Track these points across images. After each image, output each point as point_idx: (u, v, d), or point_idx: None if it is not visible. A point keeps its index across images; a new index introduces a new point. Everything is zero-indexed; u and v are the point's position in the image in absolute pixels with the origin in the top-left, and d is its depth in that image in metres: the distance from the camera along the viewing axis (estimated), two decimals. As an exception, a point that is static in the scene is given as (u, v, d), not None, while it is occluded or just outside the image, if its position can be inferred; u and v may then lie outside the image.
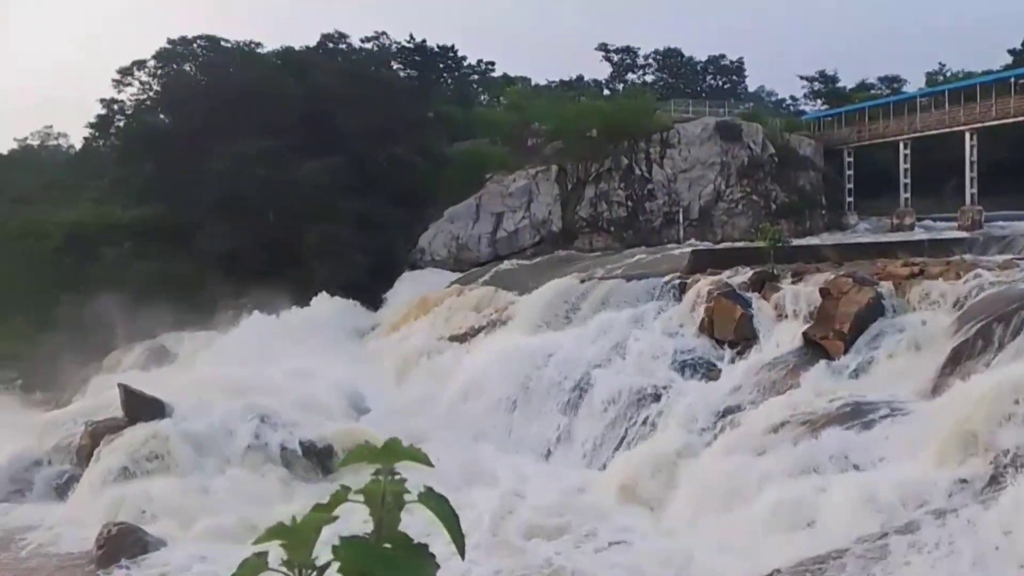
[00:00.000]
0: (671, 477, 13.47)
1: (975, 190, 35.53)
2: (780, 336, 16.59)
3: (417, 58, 54.07)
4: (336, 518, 1.02)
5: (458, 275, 33.50)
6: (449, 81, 57.00)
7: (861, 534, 9.41)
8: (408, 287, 33.01)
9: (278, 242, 33.44)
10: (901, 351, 13.66)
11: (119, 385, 17.88)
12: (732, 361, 16.96)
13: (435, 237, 36.95)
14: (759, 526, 10.93)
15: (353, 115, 37.01)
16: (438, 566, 1.00)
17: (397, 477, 1.05)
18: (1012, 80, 37.50)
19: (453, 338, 24.43)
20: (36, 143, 67.84)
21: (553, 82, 59.93)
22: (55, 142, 65.95)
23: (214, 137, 36.08)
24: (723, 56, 64.82)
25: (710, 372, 16.85)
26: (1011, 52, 54.01)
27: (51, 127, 66.52)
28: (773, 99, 65.13)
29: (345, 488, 1.04)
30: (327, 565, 0.98)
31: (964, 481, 9.51)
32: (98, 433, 16.59)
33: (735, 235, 36.62)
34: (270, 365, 22.24)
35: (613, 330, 19.18)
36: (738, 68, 65.06)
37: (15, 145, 68.64)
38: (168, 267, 32.68)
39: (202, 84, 43.03)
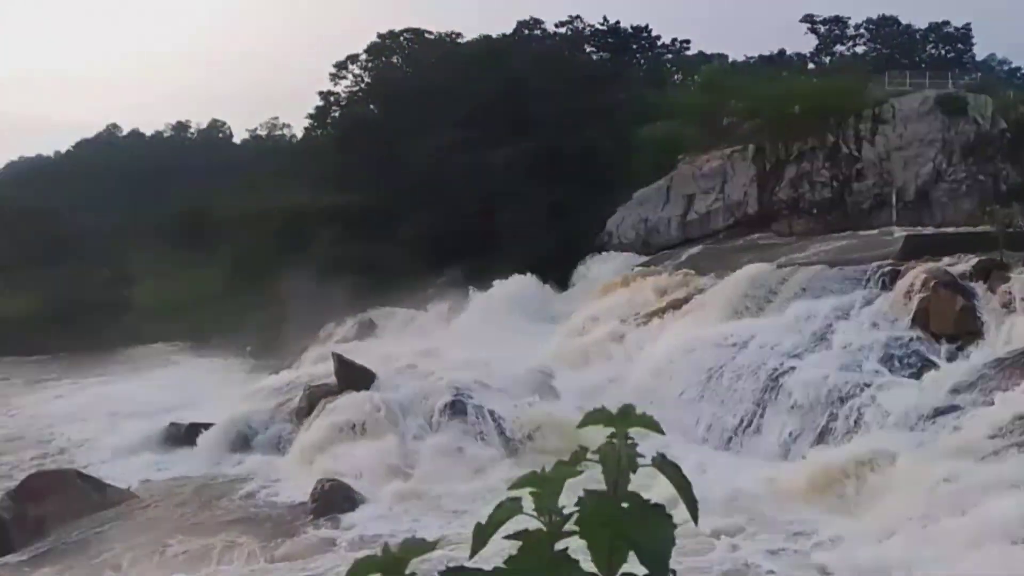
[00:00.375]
0: (874, 479, 12.64)
1: None
2: (1009, 331, 14.95)
3: (610, 40, 53.78)
4: (581, 472, 1.09)
5: (646, 258, 33.16)
6: (642, 62, 56.22)
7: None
8: (595, 270, 33.22)
9: (472, 225, 34.90)
10: None
11: (333, 354, 19.60)
12: (950, 357, 15.55)
13: (623, 220, 36.74)
14: (975, 539, 10.03)
15: (546, 101, 37.72)
16: (675, 526, 1.04)
17: (630, 442, 1.12)
18: None
19: (640, 322, 24.27)
20: (264, 133, 75.26)
21: (752, 58, 57.33)
22: (280, 132, 72.76)
23: (418, 126, 38.24)
24: (946, 23, 58.75)
25: (924, 368, 15.53)
26: None
27: (276, 118, 73.50)
28: (1006, 68, 58.22)
29: (584, 449, 1.12)
30: (571, 515, 1.05)
31: None
32: (315, 397, 18.29)
33: (957, 219, 33.17)
34: (465, 342, 23.33)
35: (813, 319, 18.18)
36: (964, 35, 58.68)
37: (247, 135, 76.57)
38: (375, 248, 35.20)
39: (407, 75, 45.59)
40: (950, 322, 16.02)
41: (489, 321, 26.98)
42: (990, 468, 11.56)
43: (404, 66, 48.48)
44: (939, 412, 13.52)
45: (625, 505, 1.06)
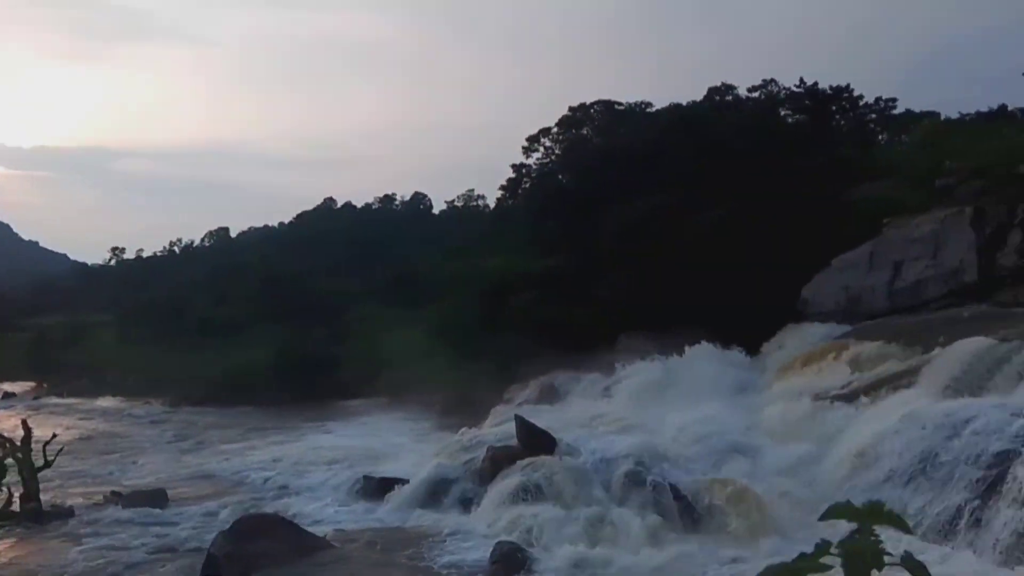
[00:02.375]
0: None
1: None
2: None
3: (808, 103, 51.97)
4: (829, 567, 1.08)
5: (847, 328, 31.00)
6: (843, 123, 53.74)
7: None
8: (791, 340, 31.52)
9: (663, 294, 34.55)
10: None
11: (516, 417, 19.98)
12: None
13: (821, 287, 34.66)
14: None
15: (741, 166, 36.98)
16: None
17: (874, 538, 1.11)
18: None
19: (842, 397, 22.60)
20: (460, 204, 79.94)
21: (967, 114, 52.93)
22: (475, 203, 76.90)
23: (610, 194, 38.83)
24: None
25: None
26: None
27: (472, 190, 77.92)
28: None
29: (826, 542, 1.11)
30: None
31: None
32: (497, 458, 18.67)
33: None
34: (650, 411, 22.90)
35: (1047, 400, 16.04)
36: None
37: (445, 206, 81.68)
38: (565, 314, 35.79)
39: (598, 146, 46.66)
40: None
41: (675, 390, 26.33)
42: None
43: (594, 136, 49.69)
44: None
45: None
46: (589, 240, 38.63)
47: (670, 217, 35.88)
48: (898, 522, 1.11)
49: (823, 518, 1.13)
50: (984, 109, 54.32)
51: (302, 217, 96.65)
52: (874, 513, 1.08)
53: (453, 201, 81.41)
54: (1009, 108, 55.14)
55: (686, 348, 30.45)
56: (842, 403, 22.25)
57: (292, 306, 51.55)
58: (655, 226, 35.72)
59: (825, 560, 1.06)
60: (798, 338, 31.34)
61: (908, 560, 1.04)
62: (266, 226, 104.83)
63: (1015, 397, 16.90)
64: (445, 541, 16.45)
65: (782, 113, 50.48)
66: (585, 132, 51.19)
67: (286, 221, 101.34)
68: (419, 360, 42.30)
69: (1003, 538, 13.63)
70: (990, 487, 14.59)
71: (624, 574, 13.44)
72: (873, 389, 22.10)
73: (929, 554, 13.77)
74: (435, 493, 19.39)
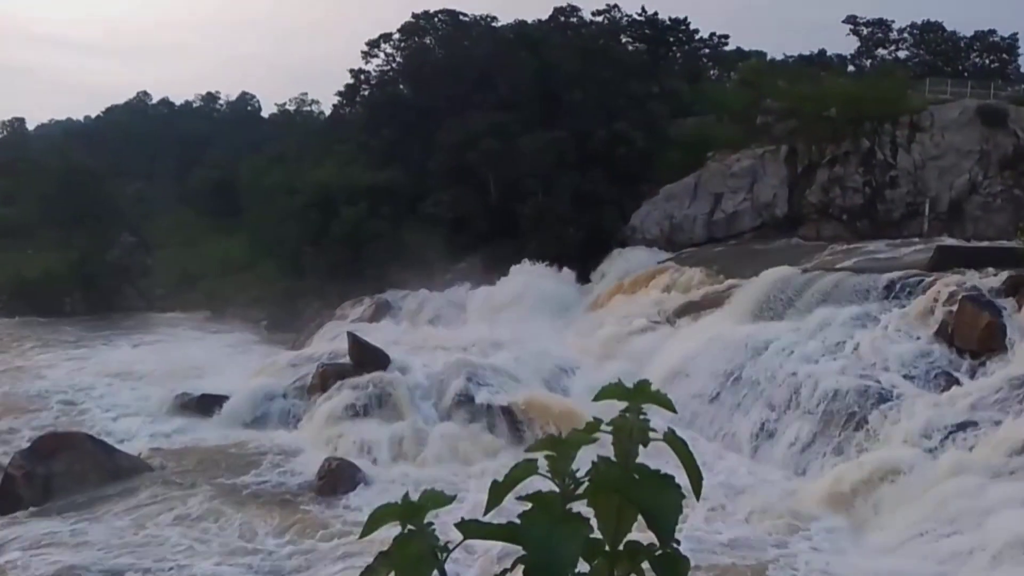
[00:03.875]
0: (890, 493, 12.44)
1: None
2: (1038, 350, 14.60)
3: (647, 32, 53.16)
4: (595, 439, 1.14)
5: (669, 255, 32.86)
6: (679, 56, 55.58)
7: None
8: (617, 264, 32.94)
9: (497, 212, 34.74)
10: None
11: (348, 334, 19.61)
12: (973, 373, 15.23)
13: (648, 215, 36.38)
14: (985, 556, 9.88)
15: (579, 90, 37.36)
16: (684, 496, 1.08)
17: (643, 416, 1.16)
18: None
19: (660, 319, 24.05)
20: (292, 108, 75.54)
21: (791, 57, 56.49)
22: (308, 108, 72.97)
23: (449, 109, 38.05)
24: (992, 31, 57.45)
25: (946, 382, 15.22)
26: None
27: (306, 94, 73.70)
28: (1053, 80, 56.73)
29: (598, 420, 1.17)
30: (583, 479, 1.11)
31: None
32: (327, 375, 18.32)
33: (990, 233, 32.51)
34: (482, 330, 23.25)
35: (836, 326, 17.89)
36: (1010, 46, 57.32)
37: (275, 110, 76.95)
38: (397, 229, 35.14)
39: (440, 57, 45.36)
40: (974, 338, 15.68)
41: (507, 310, 26.89)
42: (1005, 487, 11.36)
43: (437, 47, 48.26)
44: (957, 428, 13.27)
45: (635, 475, 1.11)
46: (424, 154, 37.89)
47: (507, 135, 35.83)
48: (664, 401, 1.18)
49: (596, 399, 1.20)
50: (806, 53, 58.22)
51: (111, 111, 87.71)
52: (642, 393, 1.16)
53: (284, 105, 76.75)
54: (828, 53, 59.40)
55: (513, 268, 30.88)
56: (659, 325, 23.71)
57: (95, 209, 46.86)
58: (491, 143, 35.56)
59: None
60: (624, 263, 32.81)
61: (670, 436, 1.12)
62: (69, 119, 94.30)
63: (809, 322, 18.68)
64: (271, 459, 16.07)
65: (623, 40, 51.32)
66: (428, 42, 49.57)
67: (93, 115, 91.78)
68: (241, 273, 40.30)
69: (790, 449, 15.24)
70: (784, 404, 16.18)
71: (452, 489, 13.71)
72: (688, 312, 23.67)
73: (729, 461, 15.22)
74: (260, 410, 18.82)
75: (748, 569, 11.00)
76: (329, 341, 23.65)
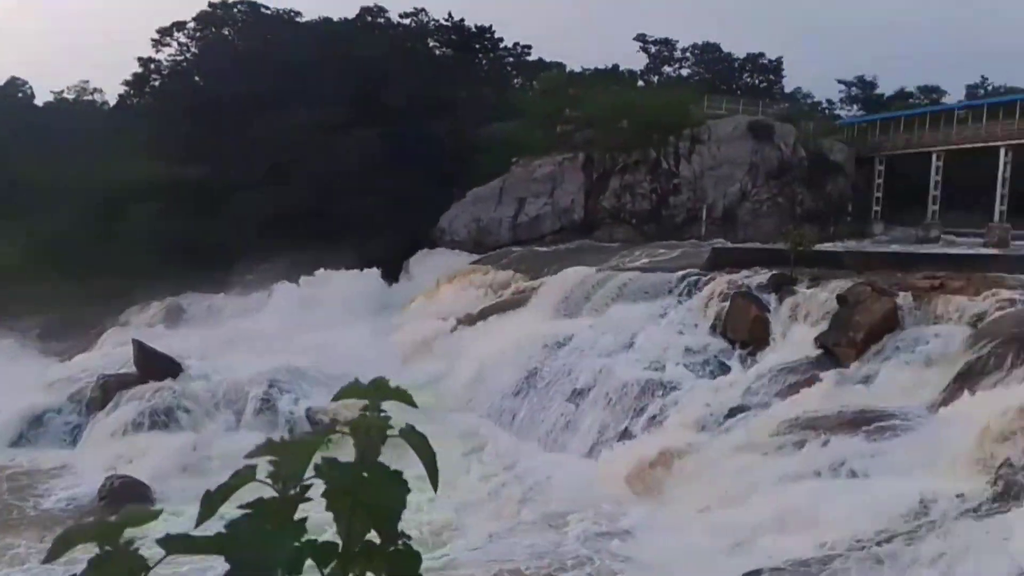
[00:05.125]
0: (675, 472, 13.49)
1: (1005, 207, 34.97)
2: (793, 340, 16.49)
3: (454, 37, 53.93)
4: (328, 442, 1.10)
5: (477, 257, 33.59)
6: (484, 62, 56.84)
7: (857, 541, 9.41)
8: (426, 266, 33.17)
9: (309, 213, 33.71)
10: (913, 364, 13.55)
11: (133, 341, 18.22)
12: (743, 361, 16.90)
13: (456, 218, 37.01)
14: (759, 525, 10.94)
15: (392, 91, 37.18)
16: (408, 490, 1.08)
17: (383, 414, 1.14)
18: (1055, 99, 36.77)
19: (467, 319, 24.53)
20: (72, 97, 68.58)
21: (588, 69, 59.52)
22: (90, 97, 66.60)
23: (257, 105, 36.36)
24: (762, 54, 64.03)
25: (721, 370, 16.80)
26: (1057, 69, 52.91)
27: (87, 82, 67.11)
28: (809, 101, 64.19)
29: (335, 421, 1.12)
30: (310, 484, 1.06)
31: (966, 497, 9.45)
32: (110, 387, 16.91)
33: (758, 237, 36.27)
34: (285, 334, 22.46)
35: (627, 322, 19.15)
36: (776, 68, 64.22)
37: (51, 98, 69.42)
38: (196, 228, 33.03)
39: (241, 50, 43.25)
40: (745, 329, 17.42)
41: (312, 312, 26.18)
42: (773, 462, 12.67)
43: (236, 40, 46.02)
44: (731, 412, 14.65)
45: (365, 474, 1.08)
46: (227, 151, 35.99)
47: (320, 134, 34.93)
48: (404, 397, 1.17)
49: (336, 398, 1.18)
50: (601, 66, 61.61)
51: None
52: (380, 390, 1.14)
53: (62, 92, 69.57)
54: (620, 68, 63.24)
55: (321, 270, 30.20)
56: (467, 324, 24.19)
57: None
58: (303, 142, 34.52)
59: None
60: (433, 264, 33.10)
61: (407, 432, 1.13)
62: None
63: (603, 319, 19.88)
64: (47, 479, 14.57)
65: (430, 44, 51.69)
66: (226, 33, 47.12)
67: None
68: (14, 278, 36.02)
69: (587, 439, 16.13)
70: (581, 396, 17.09)
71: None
72: (495, 312, 24.34)
73: (536, 458, 15.81)
74: (33, 427, 16.99)
75: (546, 555, 11.48)
76: (112, 349, 21.78)
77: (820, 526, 10.12)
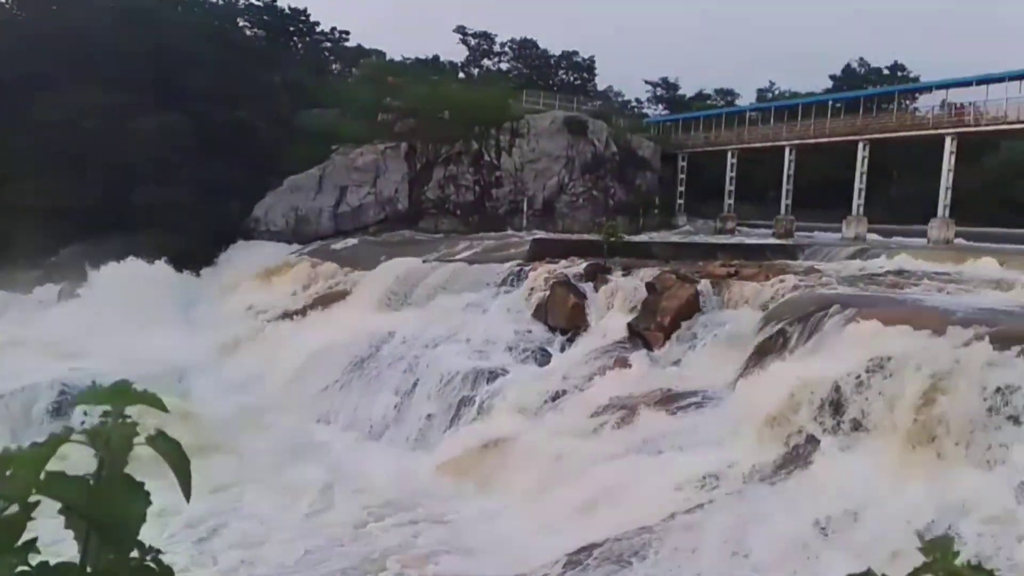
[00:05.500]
0: (500, 459, 13.77)
1: (790, 201, 38.78)
2: (608, 325, 17.35)
3: (266, 18, 51.56)
4: (53, 453, 1.00)
5: (296, 248, 32.45)
6: (300, 46, 54.84)
7: (669, 512, 10.08)
8: (241, 258, 31.57)
9: (104, 201, 30.84)
10: (714, 344, 14.71)
11: None
12: (563, 348, 17.55)
13: (273, 207, 35.52)
14: (580, 506, 11.39)
15: (198, 73, 34.78)
16: (149, 502, 1.01)
17: (129, 420, 1.05)
18: (830, 103, 41.20)
19: (287, 314, 23.65)
20: None
21: (409, 59, 59.17)
22: None
23: (40, 83, 32.63)
24: (576, 52, 66.59)
25: (543, 357, 17.36)
26: (832, 78, 59.35)
27: None
28: (620, 100, 67.74)
29: (68, 429, 1.04)
30: (37, 501, 0.97)
31: (758, 465, 10.40)
32: None
33: (575, 228, 37.87)
34: (79, 333, 20.57)
35: (452, 313, 19.31)
36: (589, 66, 67.05)
37: None
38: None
39: (22, 22, 38.72)
40: (564, 317, 18.12)
41: (110, 310, 24.08)
42: (590, 444, 13.27)
43: (15, 8, 41.17)
44: (553, 397, 15.19)
45: (92, 483, 1.00)
46: (8, 136, 32.15)
47: (115, 116, 32.02)
48: (152, 400, 1.10)
49: (77, 403, 1.09)
50: (423, 56, 61.41)
51: None
52: (123, 394, 1.06)
53: None
54: (441, 59, 63.37)
55: (118, 263, 27.68)
56: (288, 318, 23.32)
57: None
58: (95, 125, 31.49)
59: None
60: (249, 256, 31.56)
61: (154, 439, 1.04)
62: None
63: (429, 310, 19.90)
64: None
65: (240, 24, 49.06)
66: (7, 4, 42.01)
67: None
68: None
69: (415, 430, 16.10)
70: (408, 388, 17.02)
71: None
72: (317, 305, 23.63)
73: (362, 453, 15.54)
74: None
75: (365, 552, 11.35)
76: None
77: (634, 502, 10.75)
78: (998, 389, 8.96)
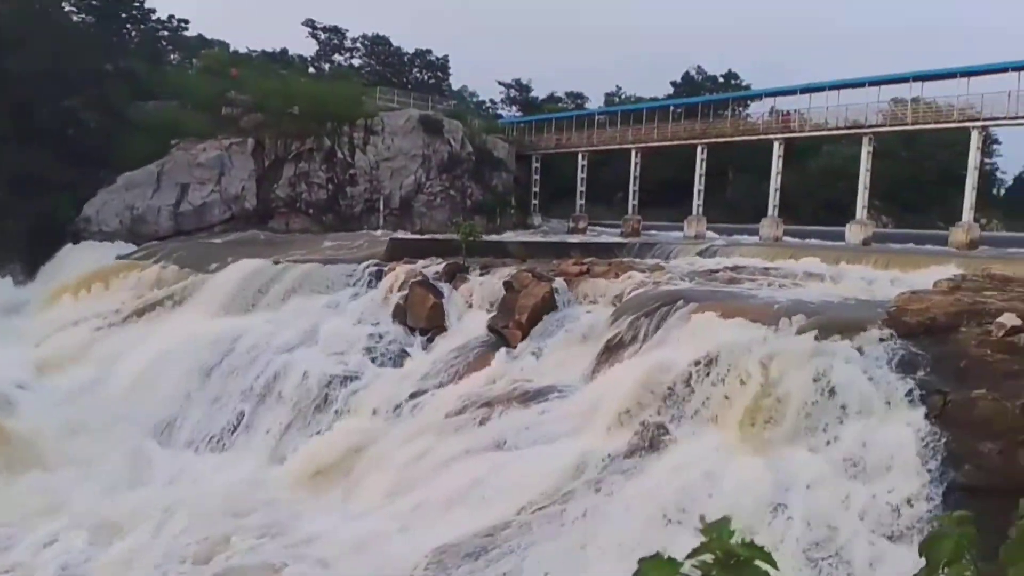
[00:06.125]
0: (360, 463, 13.52)
1: (637, 202, 40.57)
2: (467, 324, 17.46)
3: (95, 3, 47.83)
4: None
5: (132, 249, 30.37)
6: (134, 34, 51.29)
7: (528, 505, 10.27)
8: (71, 262, 29.19)
9: None
10: (569, 340, 15.13)
11: None
12: (423, 348, 17.49)
13: (105, 205, 33.01)
14: (441, 505, 11.39)
15: (20, 58, 31.71)
16: None
17: None
18: (671, 108, 43.45)
19: (123, 319, 22.09)
20: None
21: (255, 51, 56.84)
22: None
23: None
24: (430, 51, 66.48)
25: (402, 358, 17.20)
26: (673, 84, 62.60)
27: None
28: (475, 100, 68.28)
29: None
30: None
31: (612, 455, 10.80)
32: None
33: (433, 227, 37.83)
34: None
35: (306, 315, 18.75)
36: (443, 65, 67.12)
37: None
38: None
39: None
40: (423, 317, 18.04)
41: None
42: (450, 442, 13.29)
43: None
44: (412, 396, 15.09)
45: None
46: None
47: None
48: None
49: None
50: (269, 49, 59.15)
51: None
52: None
53: None
54: (290, 52, 61.33)
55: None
56: (125, 325, 21.80)
57: None
58: None
59: None
60: (80, 259, 29.22)
61: None
62: None
63: (281, 313, 19.22)
64: None
65: (65, 8, 45.24)
66: None
67: None
68: None
69: (268, 439, 15.49)
70: (259, 395, 16.35)
71: None
72: (157, 309, 22.23)
73: (208, 467, 14.75)
74: None
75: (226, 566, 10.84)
76: None
77: (494, 498, 10.87)
78: (823, 374, 9.78)
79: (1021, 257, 20.14)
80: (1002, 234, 36.17)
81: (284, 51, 60.98)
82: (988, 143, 44.36)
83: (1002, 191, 55.28)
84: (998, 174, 55.25)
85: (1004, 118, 28.53)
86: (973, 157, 28.78)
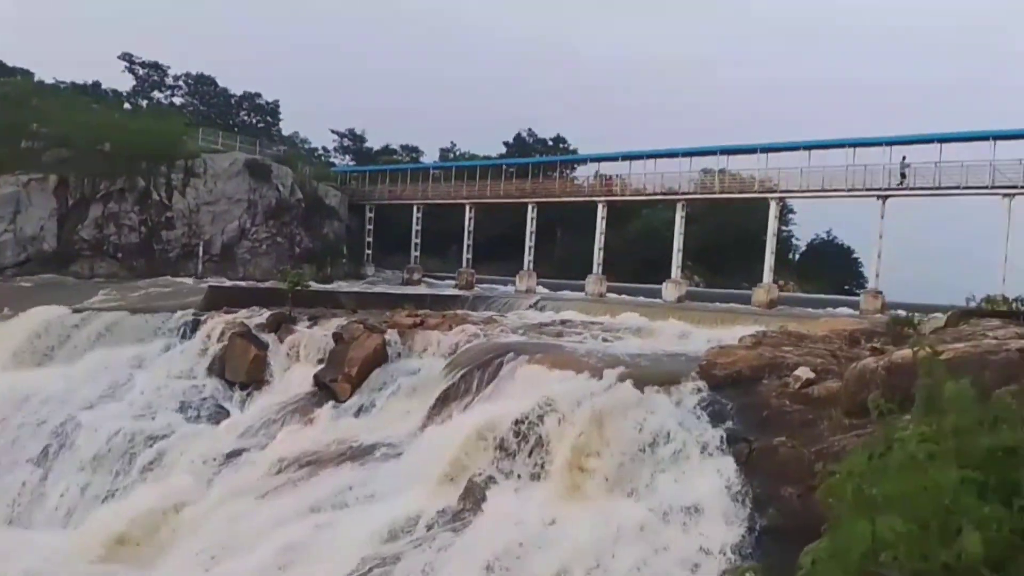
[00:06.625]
0: (168, 529, 12.43)
1: (471, 255, 41.14)
2: (292, 378, 16.74)
3: None
4: None
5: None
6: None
7: (353, 568, 9.82)
8: None
9: None
10: (400, 394, 14.87)
11: None
12: (243, 403, 16.54)
13: None
14: (263, 569, 10.69)
15: None
16: None
17: None
18: (504, 167, 44.76)
19: None
20: None
21: (63, 82, 52.71)
22: None
23: None
24: (259, 94, 64.69)
25: (219, 414, 16.14)
26: (505, 144, 64.70)
27: None
28: (306, 147, 66.92)
29: None
30: None
31: (442, 511, 10.62)
32: None
33: (257, 275, 36.24)
34: None
35: (111, 369, 17.25)
36: (273, 110, 65.48)
37: None
38: None
39: None
40: (243, 370, 17.10)
41: None
42: (271, 504, 12.54)
43: None
44: (229, 456, 14.15)
45: None
46: None
47: None
48: None
49: None
50: (80, 81, 55.05)
51: None
52: None
53: None
54: (103, 86, 57.38)
55: None
56: None
57: None
58: None
59: None
60: None
61: None
62: None
63: (81, 366, 17.51)
64: None
65: None
66: None
67: None
68: None
69: (63, 505, 13.91)
70: (54, 457, 14.71)
71: None
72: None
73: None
74: None
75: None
76: None
77: (321, 560, 10.33)
78: (643, 424, 10.21)
79: (813, 316, 22.31)
80: (797, 295, 40.01)
81: (97, 84, 57.07)
82: (785, 212, 49.25)
83: (797, 256, 61.39)
84: (793, 240, 61.35)
85: (797, 190, 31.85)
86: (772, 224, 31.79)
